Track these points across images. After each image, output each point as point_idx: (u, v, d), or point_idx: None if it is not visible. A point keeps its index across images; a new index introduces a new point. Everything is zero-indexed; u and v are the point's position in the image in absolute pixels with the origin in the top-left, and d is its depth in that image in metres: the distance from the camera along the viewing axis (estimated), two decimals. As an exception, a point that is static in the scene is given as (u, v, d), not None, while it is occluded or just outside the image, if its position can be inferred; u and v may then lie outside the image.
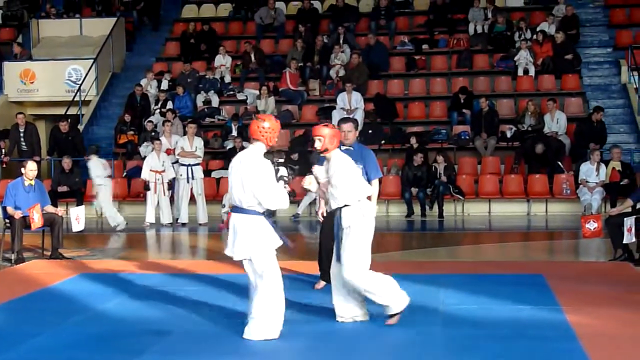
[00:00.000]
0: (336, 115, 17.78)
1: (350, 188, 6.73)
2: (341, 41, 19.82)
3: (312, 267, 8.88)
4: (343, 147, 8.05)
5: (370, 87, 18.96)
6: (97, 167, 14.75)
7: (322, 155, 6.92)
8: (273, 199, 6.29)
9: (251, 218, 6.31)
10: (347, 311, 6.93)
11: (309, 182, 6.91)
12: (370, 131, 17.54)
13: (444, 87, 19.15)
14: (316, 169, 6.96)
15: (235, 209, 6.38)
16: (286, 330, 6.41)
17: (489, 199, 16.15)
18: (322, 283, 8.34)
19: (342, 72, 19.01)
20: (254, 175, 6.23)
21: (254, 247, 6.30)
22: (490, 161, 16.86)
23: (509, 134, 17.11)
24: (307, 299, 7.85)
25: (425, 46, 20.08)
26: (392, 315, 6.77)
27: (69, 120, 17.56)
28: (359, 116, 17.69)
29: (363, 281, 6.67)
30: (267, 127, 6.37)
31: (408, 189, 15.78)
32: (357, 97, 17.84)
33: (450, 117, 18.05)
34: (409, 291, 8.21)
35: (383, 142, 17.40)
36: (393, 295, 6.78)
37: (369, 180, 7.98)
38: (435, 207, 15.72)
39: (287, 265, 9.76)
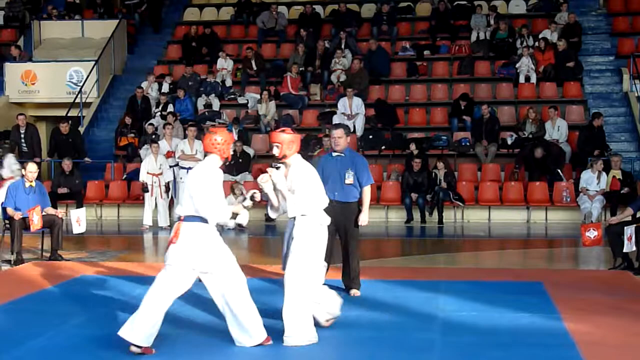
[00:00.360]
0: (337, 120, 17.80)
1: (309, 197, 6.56)
2: (343, 46, 19.82)
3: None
4: (334, 154, 8.08)
5: (371, 92, 18.97)
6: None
7: (280, 162, 6.70)
8: (211, 212, 6.15)
9: (198, 227, 6.21)
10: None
11: (265, 179, 6.61)
12: (370, 137, 17.55)
13: (445, 93, 19.16)
14: (274, 172, 6.66)
15: (186, 217, 6.27)
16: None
17: (489, 206, 16.14)
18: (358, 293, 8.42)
19: (343, 77, 19.02)
20: (199, 187, 6.16)
21: (201, 257, 6.21)
22: (490, 168, 16.86)
23: (509, 141, 17.10)
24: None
25: (426, 52, 20.10)
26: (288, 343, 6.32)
27: (70, 122, 17.55)
28: (360, 121, 17.74)
29: (296, 290, 6.35)
30: (220, 140, 6.29)
31: (408, 195, 15.77)
32: (358, 102, 17.85)
33: (450, 123, 18.05)
34: (407, 297, 8.28)
35: (383, 147, 17.40)
36: (304, 326, 6.35)
37: (361, 187, 8.01)
38: (435, 213, 15.70)
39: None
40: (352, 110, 17.83)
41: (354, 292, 8.30)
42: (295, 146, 6.66)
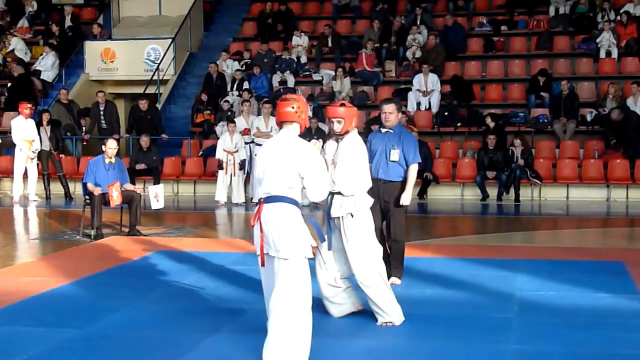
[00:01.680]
0: (412, 97, 17.69)
1: (353, 177, 6.30)
2: (418, 22, 19.61)
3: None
4: (383, 130, 7.86)
5: (447, 68, 18.73)
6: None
7: (341, 136, 6.37)
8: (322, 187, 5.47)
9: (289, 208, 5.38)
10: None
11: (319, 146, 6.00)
12: (446, 113, 17.36)
13: (523, 69, 18.79)
14: (328, 145, 6.41)
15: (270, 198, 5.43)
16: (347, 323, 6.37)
17: (567, 184, 15.81)
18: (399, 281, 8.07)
19: (418, 54, 18.82)
20: (307, 162, 5.37)
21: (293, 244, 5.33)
22: (569, 145, 16.49)
23: (589, 118, 16.70)
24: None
25: (504, 27, 19.73)
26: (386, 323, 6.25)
27: (148, 99, 17.80)
28: (435, 98, 17.56)
29: (374, 277, 6.28)
30: (302, 107, 5.53)
31: (481, 173, 15.56)
32: (433, 78, 17.67)
33: (528, 100, 17.71)
34: (484, 275, 8.16)
35: (459, 124, 17.19)
36: (396, 306, 6.31)
37: (407, 164, 7.75)
38: (512, 191, 15.47)
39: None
40: (427, 87, 17.66)
41: (393, 280, 7.70)
42: (356, 119, 6.45)
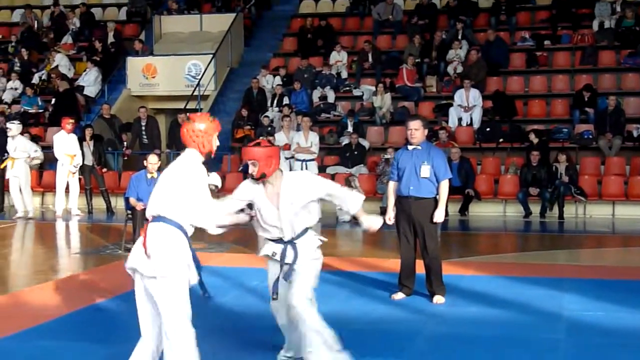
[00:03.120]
0: (453, 113, 17.54)
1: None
2: (459, 37, 19.47)
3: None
4: (410, 147, 7.77)
5: (488, 84, 18.56)
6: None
7: (259, 181, 5.59)
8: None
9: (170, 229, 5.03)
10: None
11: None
12: (488, 129, 17.18)
13: (567, 84, 18.54)
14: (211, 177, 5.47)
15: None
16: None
17: (613, 201, 15.51)
18: (401, 295, 7.86)
19: (460, 69, 18.68)
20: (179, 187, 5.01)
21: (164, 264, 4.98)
22: (614, 162, 16.21)
23: (635, 134, 16.40)
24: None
25: (547, 42, 19.50)
26: None
27: (187, 114, 17.86)
28: (477, 113, 17.40)
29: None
30: (200, 129, 5.04)
31: (524, 189, 15.35)
32: (475, 94, 17.51)
33: (572, 115, 17.46)
34: (529, 294, 8.00)
35: (501, 140, 16.98)
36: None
37: (437, 181, 7.65)
38: (556, 208, 15.23)
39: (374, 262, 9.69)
40: (469, 102, 17.50)
41: (437, 298, 7.65)
42: (275, 161, 5.56)
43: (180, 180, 4.98)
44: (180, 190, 4.95)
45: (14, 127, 15.97)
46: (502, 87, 18.50)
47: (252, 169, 5.51)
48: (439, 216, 7.61)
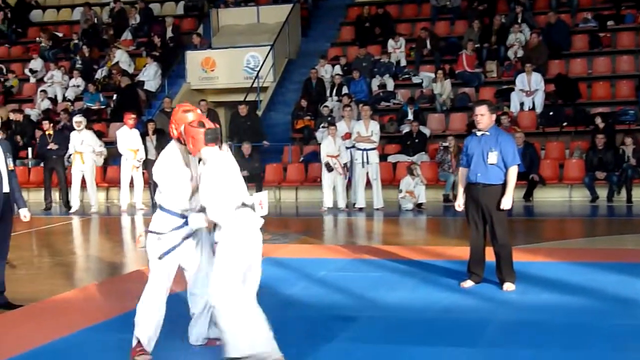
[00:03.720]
0: (515, 98, 17.28)
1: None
2: (519, 20, 19.15)
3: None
4: (478, 132, 7.63)
5: (550, 67, 18.21)
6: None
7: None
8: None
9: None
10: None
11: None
12: (551, 113, 16.88)
13: (632, 65, 18.09)
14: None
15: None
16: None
17: (683, 184, 15.14)
18: (470, 282, 7.77)
19: (520, 53, 18.37)
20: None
21: None
22: (683, 143, 15.80)
23: None
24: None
25: (610, 22, 19.06)
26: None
27: (247, 104, 17.94)
28: (539, 98, 17.11)
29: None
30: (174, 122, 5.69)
31: (590, 173, 15.05)
32: (537, 78, 17.21)
33: (638, 96, 17.05)
34: (601, 280, 7.81)
35: (565, 124, 16.67)
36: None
37: (506, 167, 7.52)
38: (623, 191, 14.91)
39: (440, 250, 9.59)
40: (530, 87, 17.22)
41: (507, 286, 7.55)
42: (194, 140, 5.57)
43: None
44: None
45: (83, 120, 16.28)
46: (564, 70, 18.14)
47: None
48: (506, 203, 7.49)
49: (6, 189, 7.27)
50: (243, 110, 17.42)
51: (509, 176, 7.49)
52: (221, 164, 5.55)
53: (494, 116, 7.64)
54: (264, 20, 21.79)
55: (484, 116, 7.55)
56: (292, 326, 6.49)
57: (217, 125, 5.68)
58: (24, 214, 7.49)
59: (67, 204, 16.36)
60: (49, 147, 16.29)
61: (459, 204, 7.75)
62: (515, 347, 5.71)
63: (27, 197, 18.17)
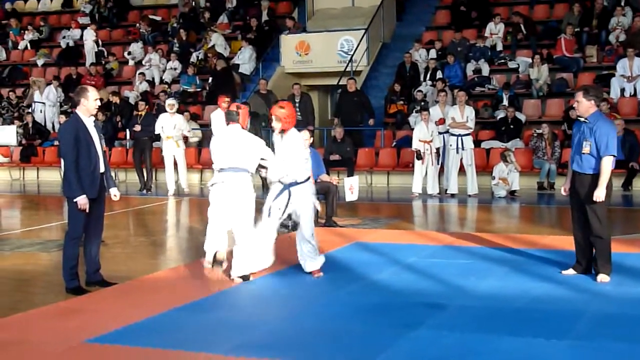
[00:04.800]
0: (615, 84, 16.77)
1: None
2: (622, 3, 18.55)
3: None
4: (581, 119, 7.44)
5: (654, 51, 17.61)
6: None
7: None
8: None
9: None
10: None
11: None
12: (654, 99, 16.34)
13: None
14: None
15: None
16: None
17: None
18: (571, 271, 7.60)
19: (622, 37, 17.80)
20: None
21: None
22: None
23: None
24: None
25: None
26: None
27: (355, 79, 17.94)
28: (642, 84, 16.57)
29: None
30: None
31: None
32: (639, 63, 16.66)
33: None
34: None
35: (669, 111, 16.13)
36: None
37: (600, 156, 7.27)
38: None
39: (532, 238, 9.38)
40: (632, 72, 16.69)
41: (601, 277, 7.32)
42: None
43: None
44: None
45: (175, 103, 16.54)
46: (669, 54, 17.48)
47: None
48: (598, 195, 7.26)
49: (102, 169, 7.47)
50: (352, 86, 17.39)
51: (602, 167, 7.26)
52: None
53: (592, 101, 7.41)
54: (358, 4, 21.70)
55: (579, 103, 7.42)
56: (379, 312, 6.47)
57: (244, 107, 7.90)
58: (114, 193, 7.68)
59: (147, 186, 16.58)
60: (134, 129, 16.66)
61: (565, 189, 7.72)
62: (608, 340, 5.55)
63: (125, 178, 18.79)
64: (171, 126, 16.12)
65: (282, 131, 7.73)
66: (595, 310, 6.40)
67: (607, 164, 7.26)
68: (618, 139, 14.47)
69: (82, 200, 7.22)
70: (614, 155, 7.27)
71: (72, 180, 7.23)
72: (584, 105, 7.39)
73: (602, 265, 7.41)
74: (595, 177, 7.28)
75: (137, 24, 23.98)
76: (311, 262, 7.86)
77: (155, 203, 15.04)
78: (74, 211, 7.34)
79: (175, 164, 16.36)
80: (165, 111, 16.38)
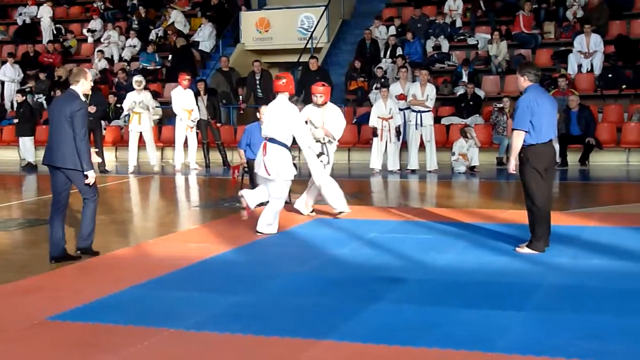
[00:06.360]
0: (572, 59, 16.96)
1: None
2: (580, -20, 18.75)
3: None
4: None
5: (611, 28, 17.84)
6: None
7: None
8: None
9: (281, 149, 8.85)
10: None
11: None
12: (610, 75, 16.55)
13: (698, 25, 17.62)
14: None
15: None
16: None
17: None
18: (526, 249, 7.58)
19: (580, 13, 18.01)
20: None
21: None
22: None
23: None
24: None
25: (675, -20, 18.56)
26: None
27: (317, 57, 17.88)
28: (598, 60, 16.80)
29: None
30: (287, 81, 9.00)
31: (650, 137, 14.79)
32: (596, 39, 16.87)
33: (701, 58, 16.62)
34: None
35: (624, 86, 16.33)
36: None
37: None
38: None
39: (492, 213, 9.52)
40: (589, 48, 16.89)
41: (519, 247, 7.59)
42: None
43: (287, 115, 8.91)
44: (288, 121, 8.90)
45: (142, 80, 16.46)
46: (625, 31, 17.75)
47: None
48: (508, 167, 7.73)
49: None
50: (314, 64, 17.32)
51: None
52: None
53: (524, 78, 7.55)
54: (319, -20, 21.64)
55: (517, 79, 7.74)
56: (340, 286, 6.54)
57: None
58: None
59: (101, 167, 15.84)
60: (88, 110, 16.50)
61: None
62: (564, 311, 5.66)
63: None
64: (137, 102, 16.08)
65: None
66: (551, 282, 6.52)
67: (514, 137, 7.51)
68: (573, 114, 14.77)
69: (92, 174, 7.60)
70: (523, 130, 7.37)
71: (83, 153, 7.52)
72: (519, 81, 7.66)
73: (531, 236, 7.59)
74: (523, 150, 7.45)
75: (95, 2, 23.69)
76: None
77: (115, 182, 14.95)
78: (82, 181, 7.61)
79: (141, 141, 16.30)
80: (133, 88, 16.34)
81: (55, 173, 7.70)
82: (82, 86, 7.74)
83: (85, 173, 7.56)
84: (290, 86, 9.07)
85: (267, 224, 8.84)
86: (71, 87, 7.80)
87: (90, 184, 7.66)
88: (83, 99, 7.79)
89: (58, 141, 7.62)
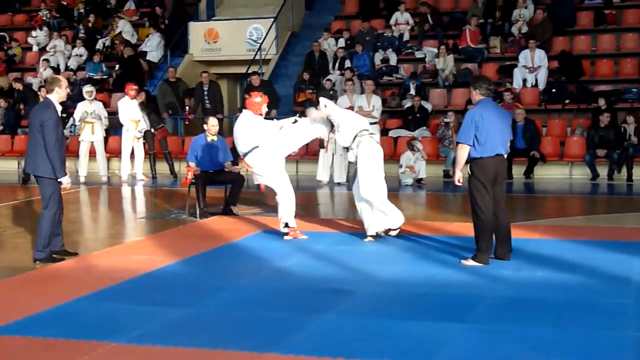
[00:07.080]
0: (517, 74, 17.21)
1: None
2: (524, -5, 19.04)
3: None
4: None
5: (554, 43, 18.14)
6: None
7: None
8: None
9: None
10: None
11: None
12: (553, 90, 16.81)
13: (636, 42, 17.96)
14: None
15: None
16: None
17: (684, 163, 15.10)
18: (471, 261, 7.66)
19: (525, 29, 18.28)
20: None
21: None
22: (686, 122, 15.72)
23: None
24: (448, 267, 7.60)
25: None
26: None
27: (260, 74, 17.82)
28: (542, 74, 17.06)
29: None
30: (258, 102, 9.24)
31: (591, 151, 15.03)
32: (540, 54, 17.14)
33: (641, 75, 16.98)
34: (597, 258, 7.84)
35: (567, 101, 16.61)
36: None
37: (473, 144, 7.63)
38: (624, 170, 14.89)
39: (438, 225, 9.61)
40: (534, 63, 17.15)
41: (464, 260, 7.70)
42: None
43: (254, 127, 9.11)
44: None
45: (93, 90, 16.35)
46: (568, 47, 18.06)
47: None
48: (454, 179, 7.91)
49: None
50: (256, 80, 17.20)
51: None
52: None
53: (476, 92, 7.71)
54: (267, -8, 21.68)
55: (470, 93, 7.94)
56: (286, 298, 6.53)
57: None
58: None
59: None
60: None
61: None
62: (505, 323, 5.73)
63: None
64: (89, 112, 15.98)
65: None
66: (495, 294, 6.58)
67: (458, 150, 7.72)
68: (519, 127, 14.96)
69: (67, 180, 7.89)
70: (466, 143, 7.52)
71: (55, 161, 7.74)
72: (472, 94, 7.83)
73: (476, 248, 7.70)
74: (470, 163, 7.57)
75: (41, 10, 23.37)
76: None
77: (64, 192, 14.69)
78: (55, 189, 7.90)
79: (92, 151, 16.16)
80: (80, 98, 16.22)
81: (37, 179, 8.00)
82: (57, 94, 7.83)
83: (59, 180, 7.77)
84: (256, 107, 9.28)
85: (291, 218, 9.24)
86: (47, 95, 7.95)
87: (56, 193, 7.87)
88: (59, 107, 7.86)
89: (32, 150, 7.86)
